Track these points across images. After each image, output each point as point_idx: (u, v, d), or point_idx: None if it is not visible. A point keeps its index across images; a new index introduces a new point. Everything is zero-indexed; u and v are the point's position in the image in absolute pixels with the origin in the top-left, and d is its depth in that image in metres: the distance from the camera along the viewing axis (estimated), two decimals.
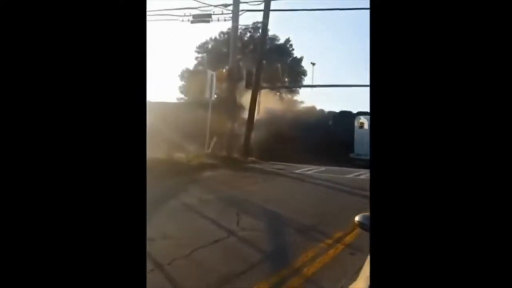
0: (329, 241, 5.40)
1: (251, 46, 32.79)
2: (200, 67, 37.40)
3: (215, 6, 15.47)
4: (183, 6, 16.50)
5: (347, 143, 22.73)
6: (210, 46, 36.65)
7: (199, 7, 15.43)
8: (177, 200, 7.68)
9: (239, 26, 16.45)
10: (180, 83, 35.81)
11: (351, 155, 22.33)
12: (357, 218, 2.97)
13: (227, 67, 14.83)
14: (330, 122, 25.62)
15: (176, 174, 10.19)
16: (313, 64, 33.48)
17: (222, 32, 36.01)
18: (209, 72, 14.67)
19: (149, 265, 4.18)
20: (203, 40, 36.28)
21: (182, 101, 35.91)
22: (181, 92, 36.21)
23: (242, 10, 15.24)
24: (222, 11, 15.31)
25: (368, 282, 2.29)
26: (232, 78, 14.74)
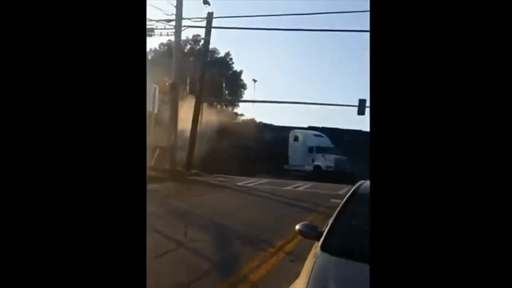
0: (272, 250, 5.83)
1: (191, 58, 32.99)
2: None
3: (157, 21, 15.67)
4: None
5: (283, 155, 23.78)
6: (150, 57, 36.38)
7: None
8: None
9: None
10: None
11: (286, 166, 23.45)
12: (297, 227, 3.35)
13: (170, 81, 14.97)
14: (268, 136, 26.57)
15: None
16: (255, 80, 34.70)
17: (162, 44, 35.89)
18: (152, 86, 14.74)
19: None
20: None
21: None
22: None
23: (184, 26, 15.55)
24: (165, 26, 15.51)
25: (306, 282, 2.63)
26: (175, 91, 14.91)
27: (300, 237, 5.93)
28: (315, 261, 2.71)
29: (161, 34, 15.64)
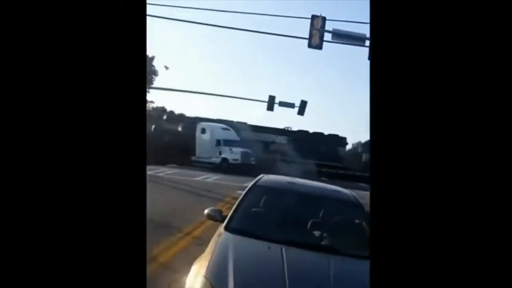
0: (180, 235, 6.32)
1: None
2: None
3: None
4: None
5: (191, 147, 24.16)
6: None
7: None
8: None
9: None
10: None
11: (193, 157, 23.88)
12: (206, 211, 3.93)
13: None
14: (180, 127, 26.65)
15: None
16: (167, 67, 34.18)
17: None
18: None
19: None
20: None
21: None
22: None
23: None
24: None
25: (210, 253, 3.17)
26: None
27: (206, 224, 6.53)
28: (218, 238, 3.34)
29: None
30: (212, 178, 13.78)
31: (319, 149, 27.53)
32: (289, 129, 30.03)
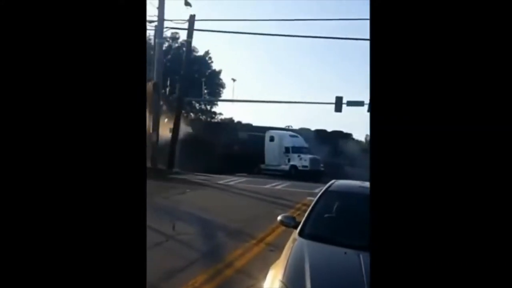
0: (253, 241, 6.45)
1: (169, 56, 33.12)
2: None
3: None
4: None
5: (260, 155, 24.49)
6: None
7: None
8: None
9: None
10: None
11: (262, 166, 24.18)
12: (279, 218, 4.03)
13: (152, 81, 15.36)
14: (246, 136, 27.22)
15: None
16: (234, 80, 35.30)
17: None
18: None
19: None
20: None
21: None
22: None
23: (166, 28, 16.00)
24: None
25: (286, 259, 3.22)
26: (158, 91, 15.33)
27: (278, 230, 6.59)
28: (293, 244, 3.37)
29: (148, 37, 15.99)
30: (281, 185, 13.85)
31: None
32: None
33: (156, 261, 5.24)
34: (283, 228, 4.35)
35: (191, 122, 28.39)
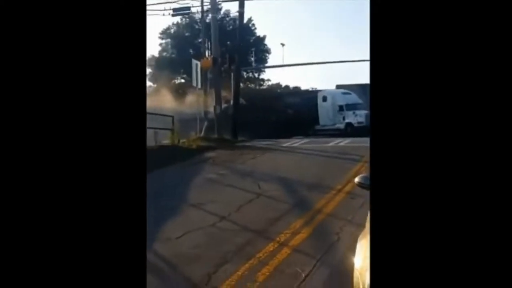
0: (334, 192, 7.18)
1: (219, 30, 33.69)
2: (165, 53, 38.15)
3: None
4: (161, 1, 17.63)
5: (313, 116, 24.87)
6: (172, 31, 37.37)
7: (177, 0, 16.69)
8: (201, 176, 9.29)
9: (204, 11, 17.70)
10: (146, 70, 36.66)
11: (317, 127, 24.60)
12: (356, 179, 3.13)
13: (211, 56, 16.12)
14: (298, 99, 27.58)
15: (186, 156, 11.77)
16: (283, 44, 35.22)
17: (184, 16, 36.75)
18: (194, 62, 16.02)
19: (214, 218, 5.84)
20: (165, 26, 36.41)
21: (151, 88, 36.86)
22: (148, 79, 37.07)
23: (219, 1, 16.60)
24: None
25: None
26: (217, 65, 16.14)
27: (353, 182, 7.23)
28: None
29: (197, 12, 16.67)
30: (343, 142, 14.41)
31: None
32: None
33: (254, 214, 6.17)
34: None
35: (242, 91, 29.18)
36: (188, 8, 16.76)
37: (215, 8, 16.43)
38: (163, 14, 17.24)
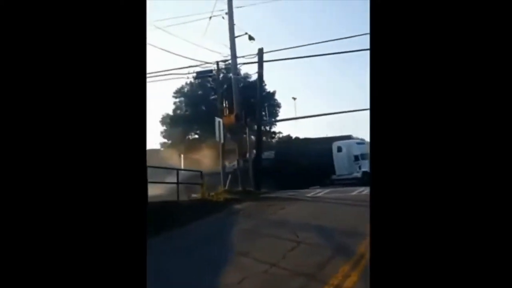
0: (368, 238, 7.54)
1: (225, 86, 35.21)
2: (178, 111, 39.57)
3: (214, 63, 18.02)
4: (184, 65, 18.89)
5: (327, 166, 25.30)
6: (186, 90, 39.09)
7: (200, 64, 17.94)
8: (238, 227, 9.70)
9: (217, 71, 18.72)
10: (161, 128, 37.48)
11: (334, 176, 24.99)
12: None
13: (234, 113, 17.00)
14: (312, 150, 28.18)
15: (218, 209, 12.27)
16: (294, 98, 36.62)
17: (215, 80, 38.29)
18: (217, 119, 16.86)
19: (264, 265, 6.21)
20: (179, 85, 38.52)
21: (166, 145, 37.99)
22: (163, 136, 38.35)
23: (239, 63, 17.82)
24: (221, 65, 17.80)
25: None
26: (240, 121, 16.98)
27: None
28: None
29: (218, 75, 17.91)
30: (365, 191, 14.79)
31: None
32: None
33: (301, 260, 6.53)
34: None
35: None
36: (211, 71, 17.89)
37: (235, 69, 17.57)
38: (187, 77, 18.50)
